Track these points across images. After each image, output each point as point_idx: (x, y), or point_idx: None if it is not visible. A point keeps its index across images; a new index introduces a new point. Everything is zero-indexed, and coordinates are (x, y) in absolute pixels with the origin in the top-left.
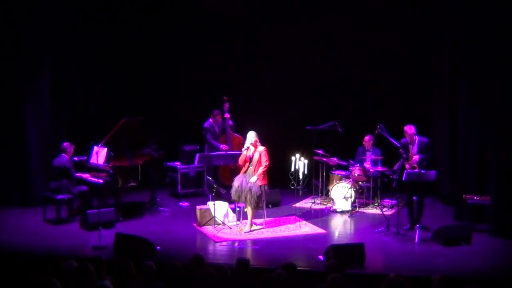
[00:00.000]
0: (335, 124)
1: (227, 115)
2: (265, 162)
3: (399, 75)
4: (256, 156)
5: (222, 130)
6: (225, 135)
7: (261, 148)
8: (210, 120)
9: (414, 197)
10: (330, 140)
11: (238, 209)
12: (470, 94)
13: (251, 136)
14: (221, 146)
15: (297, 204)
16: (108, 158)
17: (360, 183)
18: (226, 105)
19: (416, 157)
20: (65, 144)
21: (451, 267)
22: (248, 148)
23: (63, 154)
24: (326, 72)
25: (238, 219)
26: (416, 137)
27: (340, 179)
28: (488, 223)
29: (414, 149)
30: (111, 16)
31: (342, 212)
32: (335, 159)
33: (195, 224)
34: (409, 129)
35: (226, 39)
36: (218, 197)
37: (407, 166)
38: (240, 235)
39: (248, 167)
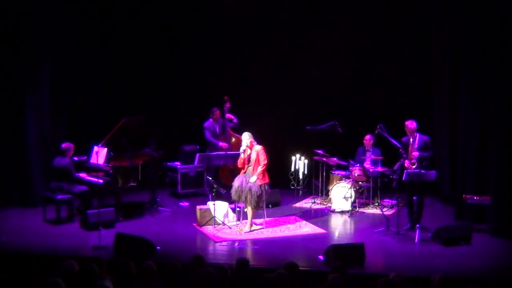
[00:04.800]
0: (335, 124)
1: (228, 115)
2: (263, 161)
3: (399, 75)
4: (253, 156)
5: (223, 130)
6: (224, 135)
7: (258, 147)
8: (210, 119)
9: (414, 197)
10: (330, 140)
11: (238, 209)
12: (470, 94)
13: (246, 137)
14: (220, 143)
15: (297, 204)
16: (108, 158)
17: (360, 183)
18: (227, 105)
19: (415, 153)
20: (64, 144)
21: (451, 267)
22: (244, 151)
23: (64, 155)
24: (326, 72)
25: (238, 219)
26: (417, 134)
27: (340, 179)
28: (488, 223)
29: (414, 145)
30: (112, 16)
31: (342, 212)
32: (335, 159)
33: (195, 224)
34: (410, 123)
35: (226, 39)
36: (218, 197)
37: (407, 163)
38: (240, 235)
39: (247, 167)
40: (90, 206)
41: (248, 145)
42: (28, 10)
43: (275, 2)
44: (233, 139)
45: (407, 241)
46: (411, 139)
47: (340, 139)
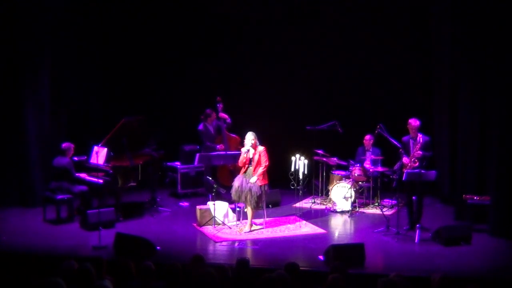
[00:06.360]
0: (335, 124)
1: (223, 115)
2: (264, 162)
3: (399, 74)
4: (256, 157)
5: (218, 131)
6: (221, 136)
7: (261, 148)
8: (202, 122)
9: (413, 197)
10: (330, 140)
11: (238, 209)
12: (470, 94)
13: (250, 137)
14: (218, 146)
15: (297, 204)
16: (108, 158)
17: (360, 183)
18: (220, 106)
19: (419, 152)
20: (64, 144)
21: (451, 267)
22: (248, 150)
23: (64, 155)
24: (326, 72)
25: (238, 219)
26: (419, 134)
27: (340, 179)
28: (488, 223)
29: (416, 145)
30: (111, 16)
31: (342, 212)
32: (335, 159)
33: (195, 224)
34: (414, 121)
35: (226, 38)
36: (218, 197)
37: (406, 161)
38: (240, 235)
39: (248, 167)
40: (90, 206)
41: (252, 145)
42: (28, 10)
43: (273, 1)
44: (231, 139)
45: (407, 241)
46: (411, 142)
47: (340, 139)
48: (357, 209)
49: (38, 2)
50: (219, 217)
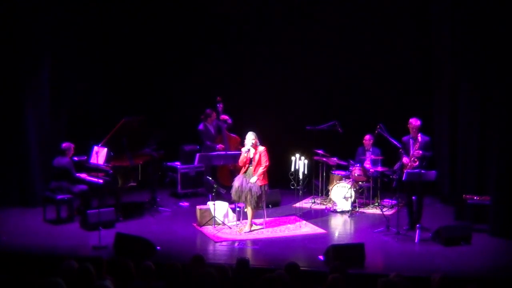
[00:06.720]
0: (335, 124)
1: (224, 117)
2: (265, 162)
3: (399, 74)
4: (256, 157)
5: (218, 131)
6: (221, 136)
7: (261, 149)
8: (203, 122)
9: (413, 197)
10: (330, 140)
11: (238, 209)
12: (471, 94)
13: (251, 137)
14: (218, 146)
15: (297, 204)
16: (108, 158)
17: (360, 183)
18: (221, 106)
19: (419, 151)
20: (64, 144)
21: (451, 267)
22: (248, 150)
23: (64, 155)
24: (326, 72)
25: (238, 219)
26: (419, 134)
27: (340, 179)
28: (488, 223)
29: (415, 145)
30: (111, 16)
31: (342, 212)
32: (335, 159)
33: (195, 224)
34: (415, 121)
35: (226, 38)
36: (218, 197)
37: (406, 161)
38: (240, 235)
39: (248, 167)
40: (90, 206)
41: (253, 144)
42: (28, 10)
43: (273, 1)
44: (231, 139)
45: (407, 241)
46: (411, 142)
47: (340, 139)
48: (357, 209)
49: (38, 2)
50: (219, 217)
